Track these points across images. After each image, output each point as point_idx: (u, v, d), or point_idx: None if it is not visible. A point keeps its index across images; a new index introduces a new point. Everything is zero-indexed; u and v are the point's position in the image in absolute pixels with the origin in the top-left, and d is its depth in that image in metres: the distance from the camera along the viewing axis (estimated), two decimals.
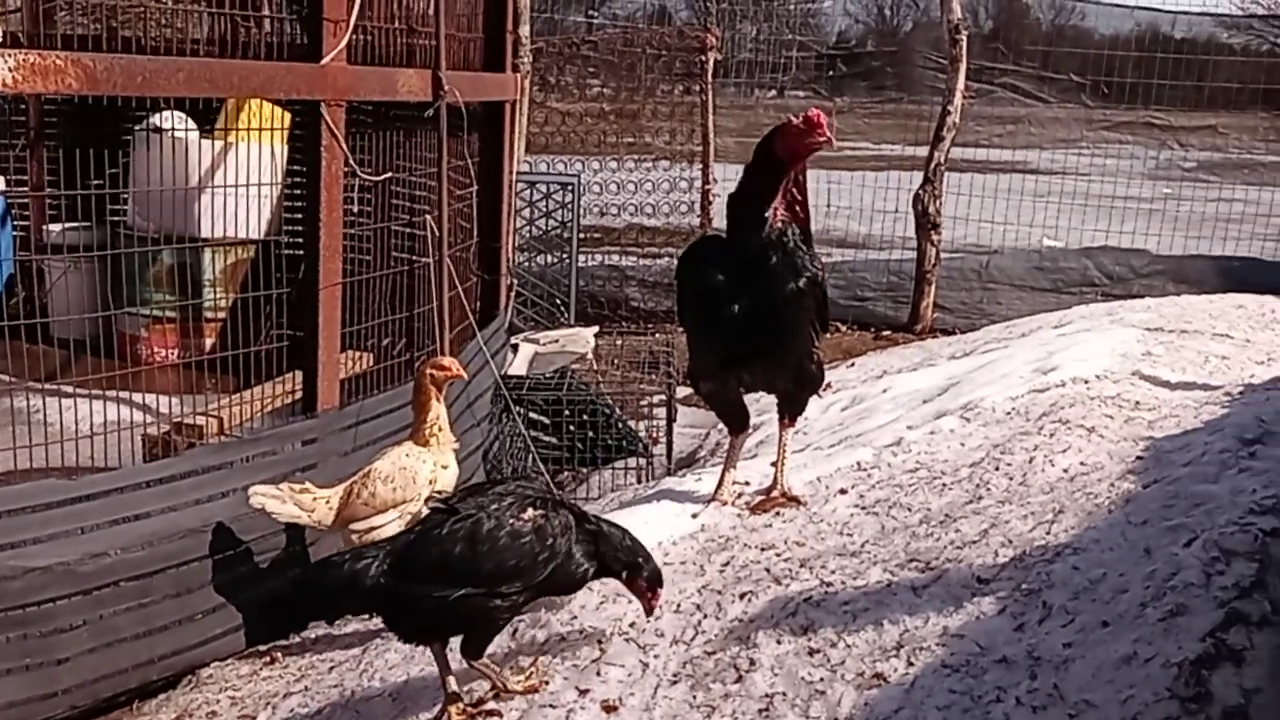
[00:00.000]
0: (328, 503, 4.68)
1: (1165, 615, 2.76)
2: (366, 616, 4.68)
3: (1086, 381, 5.37)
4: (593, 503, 6.07)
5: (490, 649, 3.30)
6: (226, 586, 4.74)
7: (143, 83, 4.48)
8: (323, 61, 5.09)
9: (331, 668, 4.10)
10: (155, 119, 6.05)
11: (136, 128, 6.16)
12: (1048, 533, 3.46)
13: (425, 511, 4.22)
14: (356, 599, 3.24)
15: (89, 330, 5.87)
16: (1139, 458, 4.02)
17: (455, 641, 3.27)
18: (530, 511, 3.20)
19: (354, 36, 5.28)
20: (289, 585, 4.20)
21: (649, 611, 3.36)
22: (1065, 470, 4.08)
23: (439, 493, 4.61)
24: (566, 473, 7.27)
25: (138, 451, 4.91)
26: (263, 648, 4.64)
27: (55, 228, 6.47)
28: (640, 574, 3.32)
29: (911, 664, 2.97)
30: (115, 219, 5.95)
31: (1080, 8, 16.20)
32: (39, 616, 4.22)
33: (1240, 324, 8.25)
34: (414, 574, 3.17)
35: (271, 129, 5.88)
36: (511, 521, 3.17)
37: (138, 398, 5.31)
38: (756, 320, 3.90)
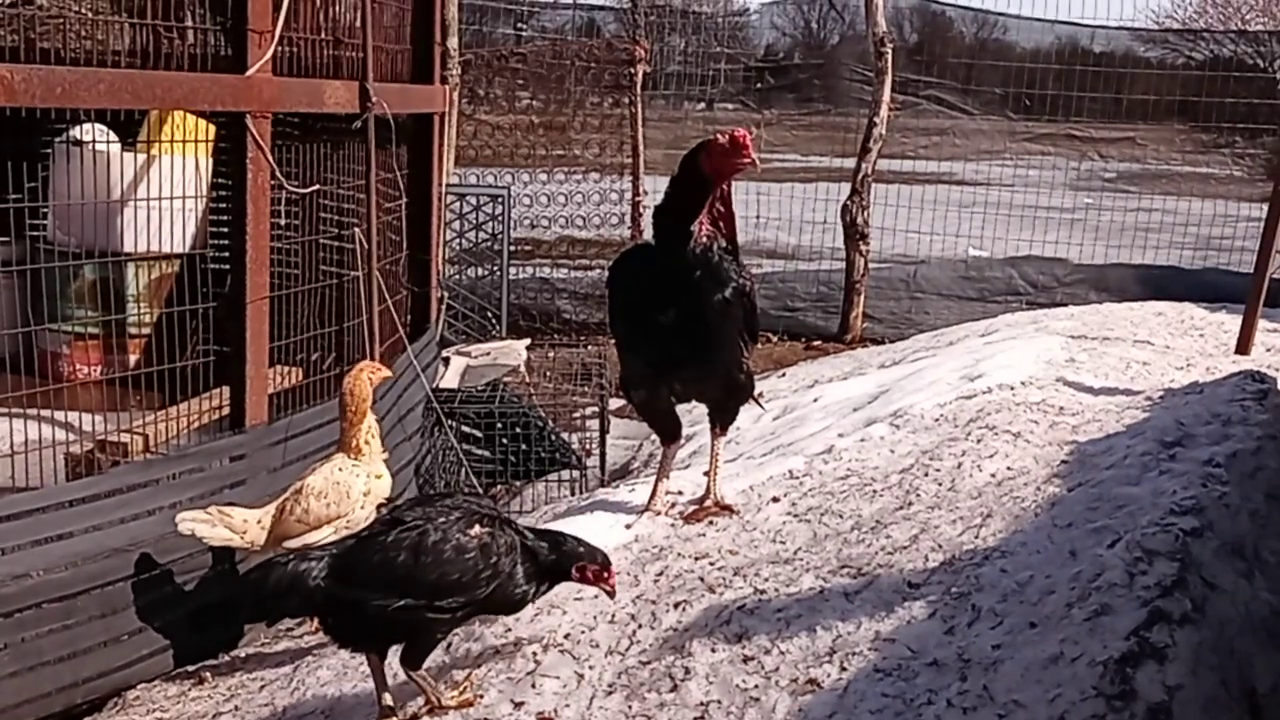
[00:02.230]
0: (259, 522, 4.61)
1: (1090, 615, 2.81)
2: (298, 634, 4.63)
3: (1012, 388, 5.46)
4: (527, 515, 6.05)
5: (426, 661, 3.28)
6: (153, 607, 4.66)
7: (63, 94, 4.41)
8: (248, 73, 5.04)
9: (262, 686, 4.04)
10: (76, 131, 5.93)
11: (56, 140, 6.03)
12: (976, 537, 3.51)
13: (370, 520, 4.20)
14: (298, 599, 3.21)
15: (8, 348, 5.73)
16: (1064, 462, 4.10)
17: (392, 656, 3.25)
18: (477, 528, 3.19)
19: (280, 48, 5.23)
20: (233, 586, 4.13)
21: (611, 594, 3.40)
22: (993, 475, 4.14)
23: (389, 500, 4.58)
24: (500, 486, 7.24)
25: (60, 470, 4.80)
26: (191, 668, 4.57)
27: None
28: (589, 561, 3.34)
29: (845, 669, 3.00)
30: (35, 234, 5.83)
31: (1002, 22, 16.52)
32: None
33: (1160, 331, 8.44)
34: (356, 579, 3.16)
35: (196, 141, 5.80)
36: (458, 536, 3.16)
37: (60, 416, 5.20)
38: (685, 330, 3.93)
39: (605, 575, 3.37)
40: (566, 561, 3.34)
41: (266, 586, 3.20)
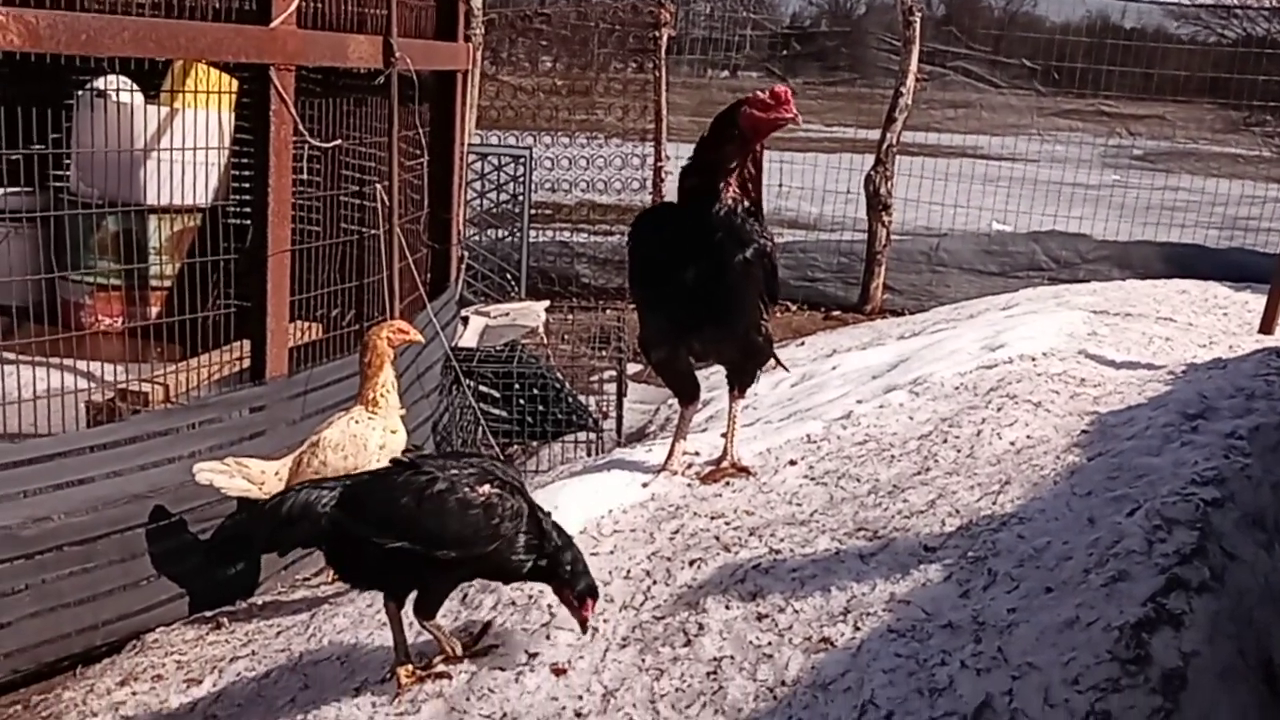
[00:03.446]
0: (276, 474, 4.64)
1: (1107, 581, 2.80)
2: (315, 583, 4.67)
3: (1034, 359, 5.43)
4: (542, 475, 6.07)
5: (441, 612, 3.30)
6: (171, 553, 4.70)
7: (87, 41, 4.40)
8: (272, 24, 5.03)
9: (279, 632, 4.08)
10: (99, 82, 5.94)
11: (80, 91, 6.04)
12: (994, 503, 3.50)
13: None
14: (308, 526, 3.24)
15: (31, 297, 5.76)
16: (1084, 432, 4.08)
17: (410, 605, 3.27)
18: (486, 487, 3.18)
19: (304, 1, 5.21)
20: (249, 515, 4.16)
21: (583, 627, 3.20)
22: (1012, 443, 4.13)
23: (413, 446, 4.60)
24: (516, 446, 7.27)
25: (82, 418, 4.84)
26: (209, 614, 4.61)
27: None
28: (574, 585, 3.19)
29: (858, 629, 3.00)
30: (58, 184, 5.84)
31: None
32: None
33: (1183, 308, 8.38)
34: (359, 513, 3.19)
35: (219, 93, 5.80)
36: (465, 490, 3.16)
37: (82, 365, 5.23)
38: (705, 290, 3.91)
39: (580, 606, 3.19)
40: (557, 572, 3.20)
41: (279, 513, 3.24)
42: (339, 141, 5.76)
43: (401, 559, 3.14)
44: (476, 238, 10.06)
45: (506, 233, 10.30)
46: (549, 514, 3.29)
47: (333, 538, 3.26)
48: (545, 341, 8.37)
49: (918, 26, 11.23)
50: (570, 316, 9.67)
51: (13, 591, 4.24)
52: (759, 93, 3.81)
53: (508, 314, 8.10)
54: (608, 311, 9.98)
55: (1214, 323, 7.90)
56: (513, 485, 3.25)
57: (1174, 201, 12.61)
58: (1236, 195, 12.59)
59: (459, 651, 3.28)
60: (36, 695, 4.21)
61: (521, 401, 7.14)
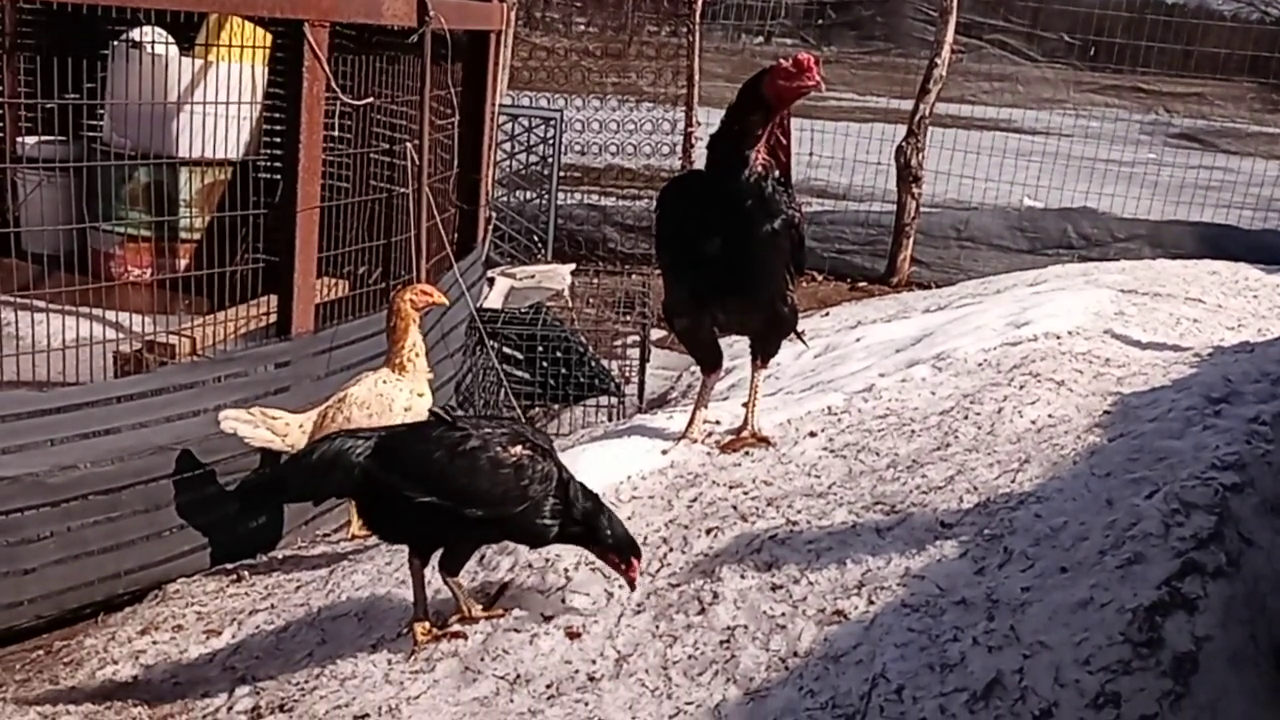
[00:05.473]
0: (301, 427, 4.69)
1: (1123, 563, 2.80)
2: (335, 539, 4.72)
3: (1059, 337, 5.41)
4: (562, 438, 6.09)
5: (462, 572, 3.33)
6: (195, 505, 4.75)
7: None
8: None
9: (298, 587, 4.13)
10: (134, 33, 5.95)
11: (115, 42, 6.06)
12: (1013, 481, 3.50)
13: None
14: (341, 475, 3.26)
15: (62, 246, 5.81)
16: (1106, 412, 4.06)
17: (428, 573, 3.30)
18: (518, 448, 3.21)
19: None
20: (280, 465, 4.20)
21: (632, 585, 3.27)
22: (1033, 421, 4.12)
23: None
24: (538, 408, 7.30)
25: (109, 368, 4.89)
26: (230, 566, 4.67)
27: (30, 140, 6.38)
28: (619, 549, 3.25)
29: (872, 602, 3.02)
30: (91, 134, 5.87)
31: None
32: (6, 526, 4.23)
33: (1213, 290, 8.30)
34: (392, 465, 3.22)
35: (253, 47, 5.81)
36: (497, 449, 3.19)
37: (110, 315, 5.28)
38: (731, 258, 3.90)
39: (627, 567, 3.25)
40: (598, 536, 3.26)
41: (312, 459, 3.27)
42: (371, 99, 5.77)
43: (431, 514, 3.16)
44: (504, 199, 10.05)
45: (535, 195, 10.28)
46: (574, 478, 3.32)
47: (365, 488, 3.29)
48: (570, 305, 8.38)
49: None
50: (596, 280, 9.67)
51: (38, 538, 4.31)
52: (783, 61, 3.80)
53: (533, 276, 8.11)
54: (633, 276, 9.97)
55: (1244, 305, 7.83)
56: (544, 449, 3.28)
57: (1209, 181, 12.46)
58: (1273, 176, 12.42)
59: (475, 612, 3.32)
60: (59, 641, 4.28)
61: (544, 364, 7.16)
